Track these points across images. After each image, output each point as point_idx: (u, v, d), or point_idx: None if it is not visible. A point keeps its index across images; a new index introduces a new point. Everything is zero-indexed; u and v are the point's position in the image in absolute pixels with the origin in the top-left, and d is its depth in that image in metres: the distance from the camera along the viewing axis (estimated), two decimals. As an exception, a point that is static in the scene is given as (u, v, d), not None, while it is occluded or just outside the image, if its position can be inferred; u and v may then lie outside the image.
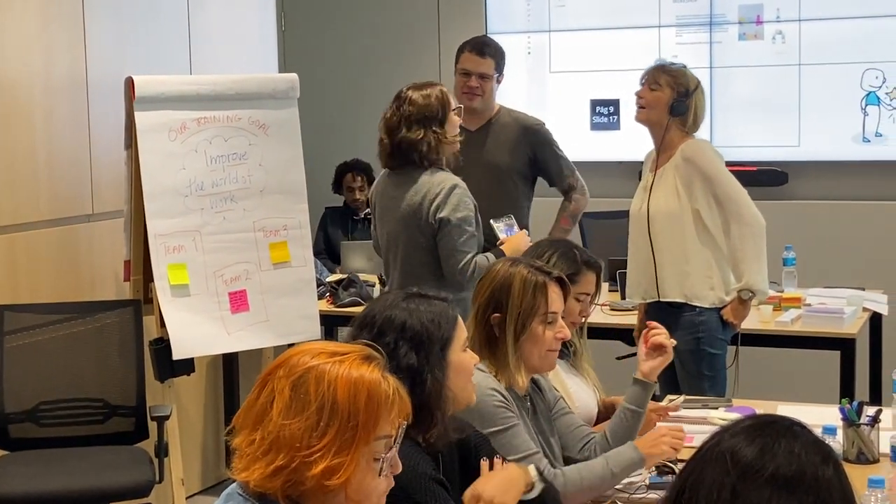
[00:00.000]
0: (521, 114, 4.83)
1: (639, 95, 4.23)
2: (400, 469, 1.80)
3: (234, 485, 1.78)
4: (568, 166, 4.74)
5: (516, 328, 2.76)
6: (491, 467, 2.40)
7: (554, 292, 2.82)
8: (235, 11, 5.61)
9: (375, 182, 4.30)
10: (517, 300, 2.77)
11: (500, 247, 4.06)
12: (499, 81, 4.72)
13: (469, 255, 3.95)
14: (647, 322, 3.11)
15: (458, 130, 4.10)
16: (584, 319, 3.30)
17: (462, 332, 2.42)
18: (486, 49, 4.69)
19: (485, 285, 2.84)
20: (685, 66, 4.28)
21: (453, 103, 4.06)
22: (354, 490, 1.72)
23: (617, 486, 2.84)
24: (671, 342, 3.05)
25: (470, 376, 2.44)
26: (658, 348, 3.02)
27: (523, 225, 4.65)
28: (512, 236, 4.14)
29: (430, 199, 3.96)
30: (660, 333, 3.04)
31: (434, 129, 3.98)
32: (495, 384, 2.72)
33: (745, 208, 4.12)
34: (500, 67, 4.71)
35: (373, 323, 2.34)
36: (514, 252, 3.97)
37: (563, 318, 2.88)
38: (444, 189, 3.96)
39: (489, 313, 2.79)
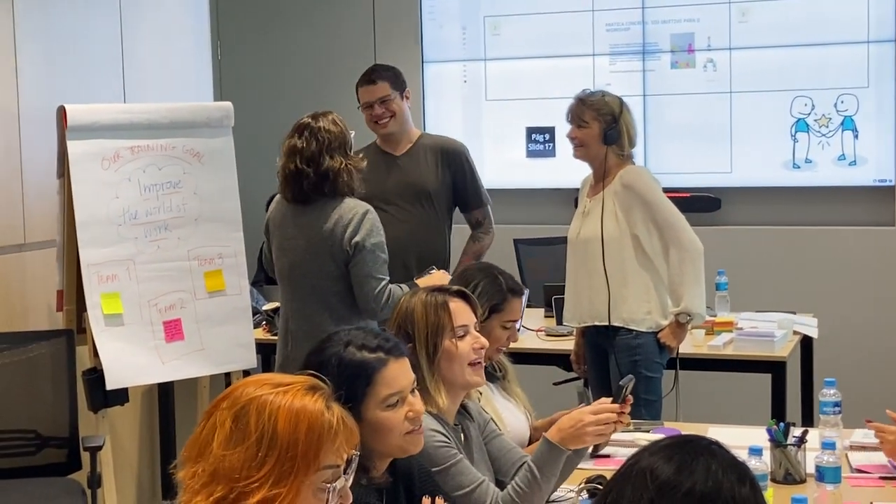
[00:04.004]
0: (443, 137, 4.91)
1: (570, 136, 4.29)
2: (351, 500, 1.79)
3: None
4: (484, 195, 4.77)
5: (427, 350, 2.78)
6: None
7: (456, 306, 2.84)
8: (170, 39, 5.60)
9: (271, 210, 4.21)
10: (422, 324, 2.79)
11: (416, 280, 4.04)
12: (406, 98, 4.71)
13: (384, 282, 3.92)
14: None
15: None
16: (510, 344, 3.34)
17: (383, 389, 2.32)
18: (373, 75, 4.68)
19: (392, 322, 2.86)
20: (604, 93, 4.33)
21: None
22: None
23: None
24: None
25: (396, 433, 2.34)
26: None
27: (443, 256, 4.68)
28: (430, 275, 4.12)
29: (342, 225, 3.93)
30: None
31: (350, 154, 4.00)
32: (434, 424, 2.72)
33: (683, 233, 4.18)
34: (397, 85, 4.67)
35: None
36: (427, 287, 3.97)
37: (490, 343, 2.91)
38: (356, 215, 3.94)
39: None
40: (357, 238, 3.91)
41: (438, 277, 4.05)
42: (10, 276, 4.56)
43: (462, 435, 2.89)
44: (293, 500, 1.69)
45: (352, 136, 4.06)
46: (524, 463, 2.94)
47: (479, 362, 2.85)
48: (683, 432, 3.43)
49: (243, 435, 1.71)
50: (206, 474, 1.71)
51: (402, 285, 3.97)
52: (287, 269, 4.10)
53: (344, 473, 1.76)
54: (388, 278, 3.95)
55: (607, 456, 3.35)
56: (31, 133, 4.61)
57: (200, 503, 1.70)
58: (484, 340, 2.88)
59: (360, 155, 4.12)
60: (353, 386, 2.25)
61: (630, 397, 2.91)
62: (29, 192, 4.62)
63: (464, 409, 2.94)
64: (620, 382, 2.93)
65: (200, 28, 5.87)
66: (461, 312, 2.84)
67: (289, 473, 1.70)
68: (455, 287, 2.94)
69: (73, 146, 4.23)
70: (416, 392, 2.41)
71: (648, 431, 3.52)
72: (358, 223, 3.92)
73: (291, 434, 1.71)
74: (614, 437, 3.42)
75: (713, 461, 1.46)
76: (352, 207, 3.96)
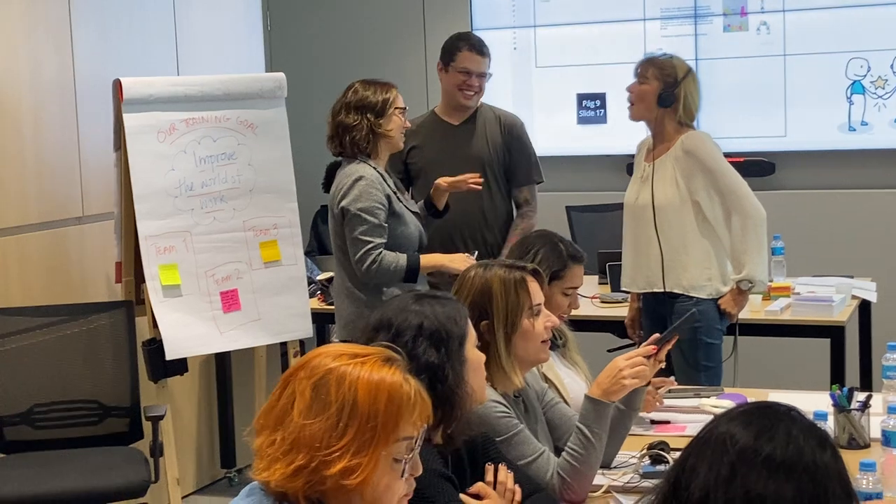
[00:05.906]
0: (501, 109, 4.85)
1: (629, 90, 4.25)
2: (421, 471, 1.81)
3: (255, 482, 1.78)
4: (537, 172, 4.73)
5: (506, 329, 2.76)
6: (495, 472, 2.41)
7: (533, 284, 2.84)
8: (221, 12, 5.62)
9: None
10: (501, 302, 2.78)
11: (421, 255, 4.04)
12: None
13: (368, 246, 3.92)
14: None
15: (401, 131, 4.09)
16: (571, 312, 3.33)
17: (472, 330, 2.45)
18: (484, 48, 4.67)
19: (463, 296, 2.80)
20: (673, 56, 4.29)
21: (400, 103, 4.06)
22: (373, 491, 1.72)
23: (611, 476, 2.86)
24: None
25: (483, 373, 2.46)
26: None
27: (507, 210, 4.69)
28: (443, 254, 4.11)
29: (338, 188, 4.01)
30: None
31: (369, 117, 4.00)
32: (494, 395, 2.73)
33: (746, 199, 4.14)
34: (490, 64, 4.72)
35: (389, 325, 2.34)
36: (431, 263, 4.01)
37: (551, 311, 2.91)
38: (350, 180, 3.97)
39: (475, 322, 2.78)
40: (344, 203, 3.96)
41: (449, 256, 4.05)
42: (69, 248, 4.62)
43: (522, 406, 2.89)
44: (372, 470, 1.70)
45: (395, 109, 4.02)
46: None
47: (548, 340, 2.86)
48: (748, 398, 3.42)
49: (324, 405, 1.71)
50: (287, 443, 1.71)
51: (399, 255, 3.95)
52: None
53: (416, 445, 1.77)
54: (375, 242, 3.93)
55: (667, 422, 3.34)
56: (87, 107, 4.65)
57: (280, 470, 1.71)
58: (555, 319, 2.89)
59: (392, 128, 4.06)
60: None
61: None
62: (86, 165, 4.67)
63: (523, 380, 2.95)
64: (686, 316, 3.05)
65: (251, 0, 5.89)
66: (536, 290, 2.84)
67: (369, 444, 1.70)
68: (531, 266, 2.90)
69: (129, 119, 4.26)
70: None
71: (709, 397, 3.51)
72: (348, 188, 3.97)
73: (372, 405, 1.71)
74: (673, 402, 3.43)
75: (793, 427, 1.45)
76: (351, 172, 4.00)
